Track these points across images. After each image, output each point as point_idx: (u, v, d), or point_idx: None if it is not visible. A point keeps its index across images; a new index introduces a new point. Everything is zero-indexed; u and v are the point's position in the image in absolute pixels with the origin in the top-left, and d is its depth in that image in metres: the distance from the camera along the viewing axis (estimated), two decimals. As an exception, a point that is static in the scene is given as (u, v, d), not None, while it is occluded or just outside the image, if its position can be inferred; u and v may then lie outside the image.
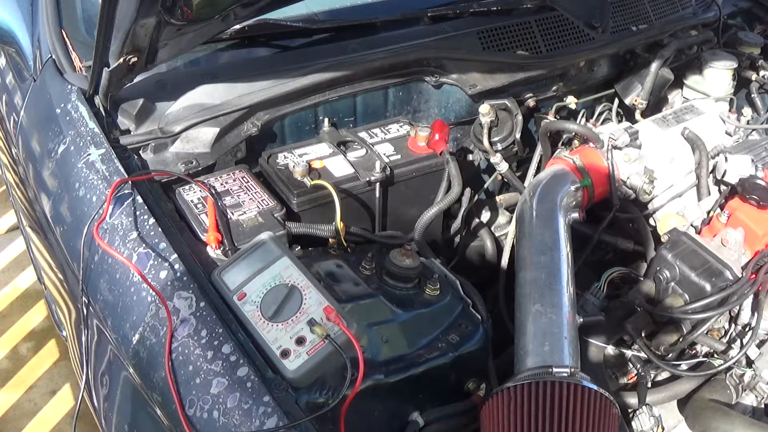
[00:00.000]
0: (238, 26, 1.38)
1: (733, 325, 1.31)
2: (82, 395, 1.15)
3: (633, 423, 1.24)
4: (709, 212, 1.45)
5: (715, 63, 1.78)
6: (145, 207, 1.10)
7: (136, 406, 1.02)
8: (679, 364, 1.27)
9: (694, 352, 1.30)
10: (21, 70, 1.53)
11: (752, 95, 1.89)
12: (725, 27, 2.03)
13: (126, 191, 1.13)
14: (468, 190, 1.51)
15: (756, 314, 1.26)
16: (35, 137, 1.36)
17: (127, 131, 1.28)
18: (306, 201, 1.25)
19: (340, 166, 1.34)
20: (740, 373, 1.27)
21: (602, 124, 1.77)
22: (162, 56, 1.20)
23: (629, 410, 1.24)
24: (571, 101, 1.71)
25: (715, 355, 1.27)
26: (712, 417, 1.18)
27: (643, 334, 1.26)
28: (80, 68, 1.35)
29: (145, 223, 1.08)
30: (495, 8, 1.68)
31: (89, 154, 1.19)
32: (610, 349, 1.25)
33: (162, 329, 0.95)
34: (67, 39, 1.41)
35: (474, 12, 1.65)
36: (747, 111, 1.70)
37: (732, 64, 1.78)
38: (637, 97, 1.77)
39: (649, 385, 1.26)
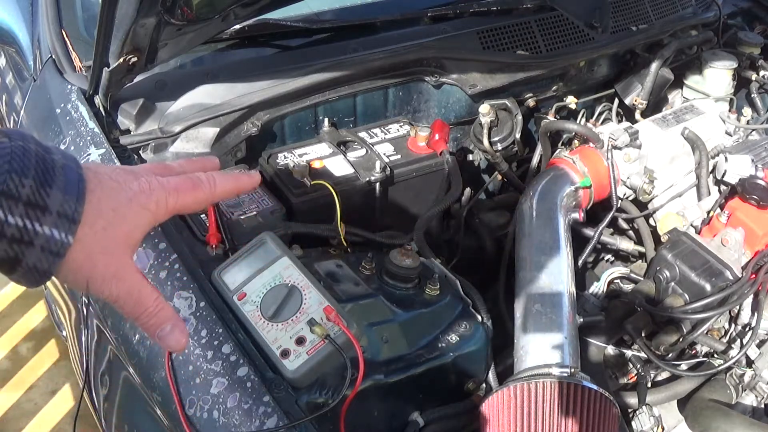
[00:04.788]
0: (238, 26, 1.38)
1: (733, 325, 1.31)
2: (82, 395, 1.15)
3: (633, 423, 1.24)
4: (709, 212, 1.45)
5: (715, 63, 1.78)
6: (145, 207, 1.10)
7: (136, 406, 1.02)
8: (679, 364, 1.27)
9: (694, 352, 1.31)
10: (21, 70, 1.53)
11: (752, 95, 1.89)
12: (725, 27, 2.03)
13: (126, 191, 1.12)
14: (468, 190, 1.51)
15: (756, 314, 1.26)
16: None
17: (127, 131, 1.28)
18: (306, 201, 1.25)
19: (340, 166, 1.34)
20: (740, 373, 1.27)
21: (602, 124, 1.77)
22: (162, 56, 1.20)
23: (629, 410, 1.24)
24: (571, 101, 1.70)
25: (715, 355, 1.27)
26: (712, 417, 1.18)
27: (643, 334, 1.26)
28: (80, 68, 1.35)
29: (145, 223, 1.08)
30: (495, 8, 1.68)
31: (89, 154, 1.19)
32: (610, 349, 1.25)
33: (162, 329, 0.95)
34: (67, 39, 1.41)
35: (474, 12, 1.65)
36: (747, 111, 1.69)
37: (732, 64, 1.78)
38: (637, 97, 1.77)
39: (649, 385, 1.26)
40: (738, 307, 1.28)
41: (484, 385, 1.10)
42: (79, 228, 0.52)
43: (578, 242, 1.38)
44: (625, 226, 1.56)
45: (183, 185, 0.61)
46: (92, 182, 0.55)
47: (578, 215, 1.33)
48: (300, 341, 0.88)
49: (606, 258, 1.60)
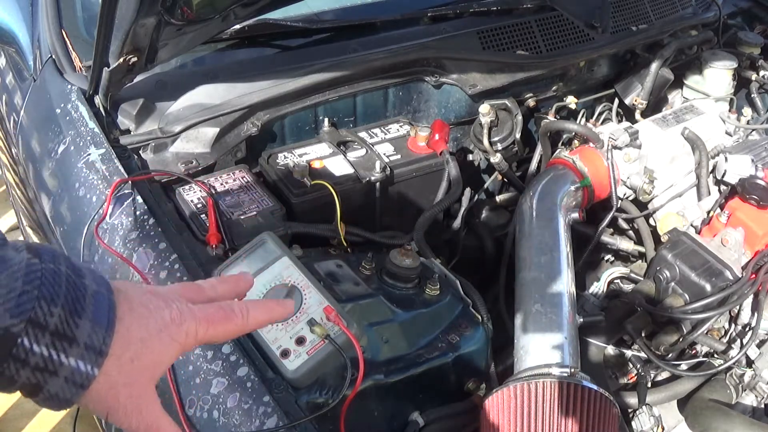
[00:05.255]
0: (238, 26, 1.38)
1: (733, 325, 1.31)
2: (82, 395, 1.14)
3: (633, 423, 1.24)
4: (709, 212, 1.45)
5: (715, 63, 1.78)
6: (145, 207, 1.10)
7: (136, 406, 1.02)
8: (679, 364, 1.27)
9: (694, 352, 1.31)
10: (21, 70, 1.53)
11: (752, 95, 1.89)
12: (725, 27, 2.03)
13: (126, 191, 1.13)
14: (468, 190, 1.51)
15: (756, 314, 1.26)
16: (35, 137, 1.36)
17: (127, 131, 1.28)
18: (306, 201, 1.25)
19: (340, 166, 1.34)
20: (740, 373, 1.27)
21: (602, 124, 1.77)
22: (162, 56, 1.20)
23: (629, 410, 1.24)
24: (571, 101, 1.70)
25: (715, 355, 1.27)
26: (712, 417, 1.18)
27: (643, 334, 1.26)
28: (80, 68, 1.35)
29: (145, 223, 1.08)
30: (495, 8, 1.68)
31: (89, 154, 1.19)
32: (610, 349, 1.26)
33: (162, 329, 0.95)
34: (67, 39, 1.41)
35: (474, 12, 1.65)
36: (747, 111, 1.69)
37: (732, 64, 1.78)
38: (637, 97, 1.77)
39: (649, 385, 1.26)
40: (738, 307, 1.28)
41: (484, 385, 1.10)
42: (106, 360, 0.52)
43: (578, 242, 1.38)
44: (625, 226, 1.56)
45: (215, 316, 0.60)
46: (122, 308, 0.54)
47: (578, 215, 1.33)
48: (300, 341, 0.88)
49: (606, 258, 1.60)
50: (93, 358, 0.51)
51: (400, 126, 1.51)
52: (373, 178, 1.32)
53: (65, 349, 0.49)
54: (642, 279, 1.38)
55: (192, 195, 1.21)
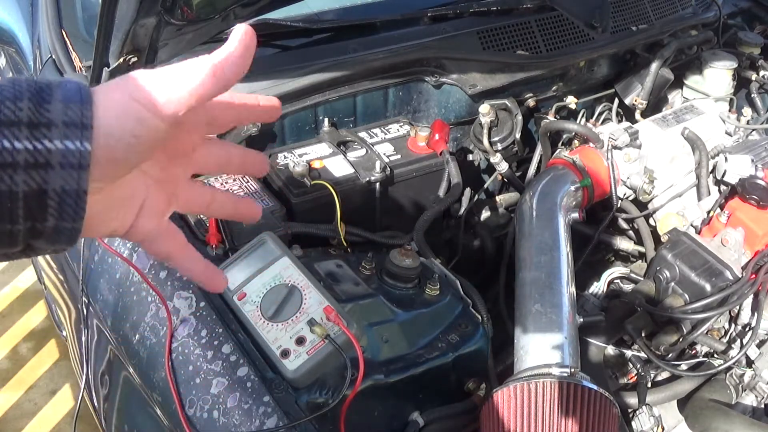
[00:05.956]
0: (238, 26, 1.38)
1: (733, 325, 1.31)
2: (82, 395, 1.15)
3: (633, 423, 1.24)
4: (709, 212, 1.45)
5: (715, 63, 1.78)
6: (145, 207, 1.10)
7: (136, 406, 1.02)
8: (679, 364, 1.27)
9: (694, 352, 1.31)
10: (21, 70, 1.53)
11: (752, 95, 1.89)
12: (725, 27, 2.03)
13: (126, 191, 1.12)
14: (468, 190, 1.51)
15: (756, 314, 1.26)
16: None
17: (127, 131, 1.28)
18: (306, 201, 1.25)
19: (340, 166, 1.34)
20: (740, 373, 1.27)
21: (602, 124, 1.77)
22: (162, 56, 1.20)
23: (629, 410, 1.24)
24: (571, 101, 1.70)
25: (715, 355, 1.27)
26: (712, 417, 1.18)
27: (643, 334, 1.26)
28: (80, 68, 1.35)
29: (145, 223, 1.08)
30: (495, 8, 1.68)
31: (89, 154, 1.19)
32: (610, 349, 1.26)
33: (162, 329, 0.95)
34: (67, 39, 1.41)
35: (474, 12, 1.65)
36: (747, 111, 1.69)
37: (732, 64, 1.78)
38: (637, 97, 1.77)
39: (649, 385, 1.26)
40: (738, 307, 1.28)
41: (484, 385, 1.10)
42: (95, 129, 0.48)
43: (578, 242, 1.38)
44: (625, 226, 1.56)
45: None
46: (95, 89, 0.50)
47: (578, 215, 1.33)
48: (300, 341, 0.88)
49: (606, 258, 1.60)
50: (78, 133, 0.47)
51: (400, 126, 1.51)
52: (373, 178, 1.32)
53: (45, 134, 0.46)
54: (642, 279, 1.38)
55: (192, 195, 1.21)
